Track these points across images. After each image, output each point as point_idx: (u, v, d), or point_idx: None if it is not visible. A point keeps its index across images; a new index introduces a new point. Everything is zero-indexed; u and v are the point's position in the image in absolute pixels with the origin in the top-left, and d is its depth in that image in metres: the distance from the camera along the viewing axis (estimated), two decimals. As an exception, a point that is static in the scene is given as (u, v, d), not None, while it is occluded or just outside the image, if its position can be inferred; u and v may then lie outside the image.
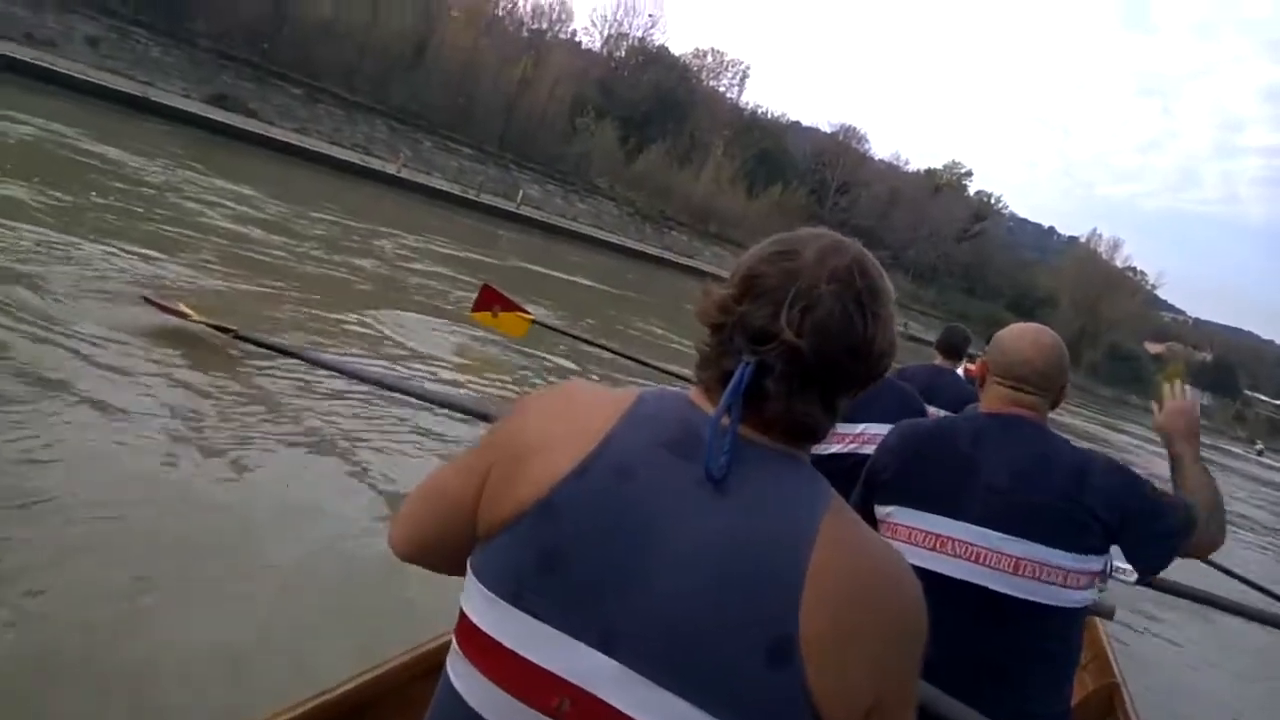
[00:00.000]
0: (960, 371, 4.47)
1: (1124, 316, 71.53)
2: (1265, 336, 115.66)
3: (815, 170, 59.61)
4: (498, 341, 8.22)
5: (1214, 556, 3.06)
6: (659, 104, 50.32)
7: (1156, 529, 1.60)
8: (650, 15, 57.22)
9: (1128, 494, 1.58)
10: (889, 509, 1.65)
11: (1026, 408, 1.66)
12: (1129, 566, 1.84)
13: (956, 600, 1.50)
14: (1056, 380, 1.69)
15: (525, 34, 46.20)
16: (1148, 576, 1.69)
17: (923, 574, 1.02)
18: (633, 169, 45.32)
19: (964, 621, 1.50)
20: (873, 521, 1.66)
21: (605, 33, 54.29)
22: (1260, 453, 45.53)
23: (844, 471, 2.02)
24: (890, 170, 68.07)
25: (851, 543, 0.78)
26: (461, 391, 6.52)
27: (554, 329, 8.57)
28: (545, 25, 48.37)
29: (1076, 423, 24.01)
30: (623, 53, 54.27)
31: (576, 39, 51.87)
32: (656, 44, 54.55)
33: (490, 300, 7.62)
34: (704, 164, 49.27)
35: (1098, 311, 67.74)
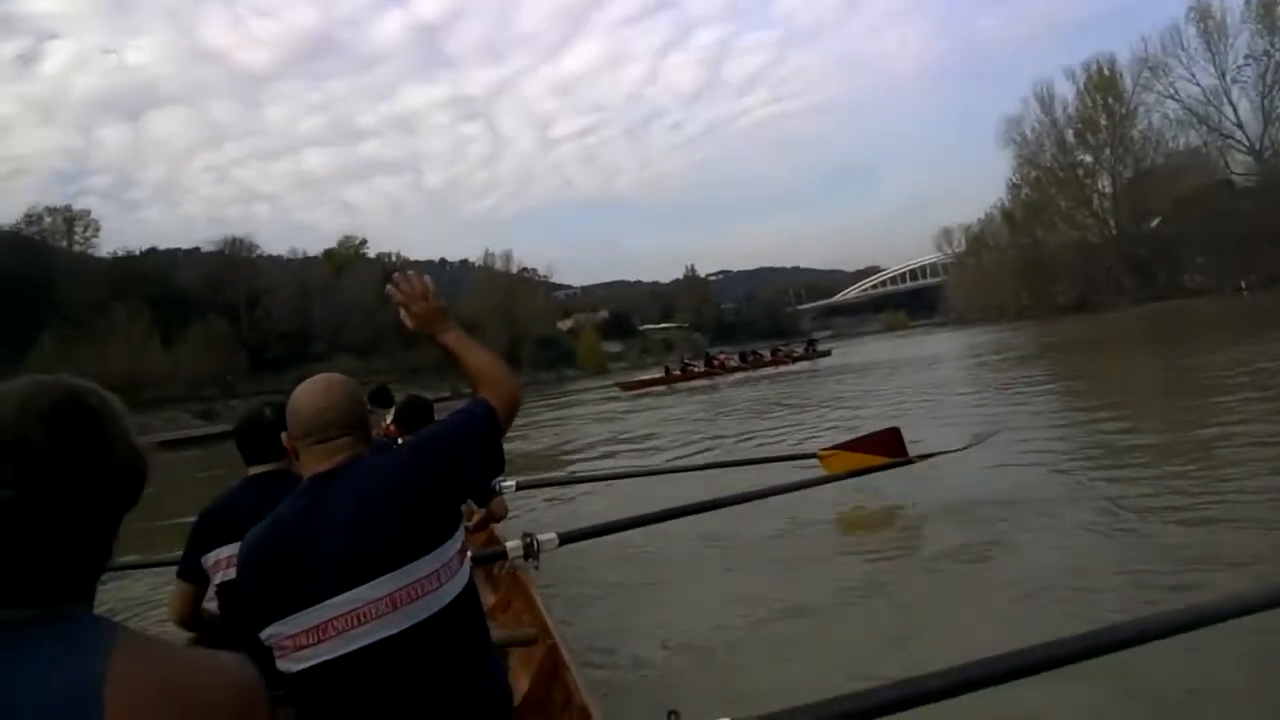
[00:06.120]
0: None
1: (536, 312, 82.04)
2: (631, 279, 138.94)
3: (218, 295, 58.17)
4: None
5: None
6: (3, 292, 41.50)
7: (477, 443, 1.69)
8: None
9: (434, 452, 1.65)
10: (268, 631, 1.52)
11: (341, 453, 1.62)
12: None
13: (364, 669, 1.50)
14: (356, 414, 1.67)
15: None
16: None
17: (324, 669, 1.39)
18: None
19: (381, 679, 1.51)
20: (266, 650, 1.52)
21: None
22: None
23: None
24: (291, 265, 70.11)
25: (147, 672, 0.73)
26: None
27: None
28: None
29: (545, 415, 24.39)
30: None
31: None
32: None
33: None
34: (106, 333, 44.06)
35: (514, 317, 76.57)
